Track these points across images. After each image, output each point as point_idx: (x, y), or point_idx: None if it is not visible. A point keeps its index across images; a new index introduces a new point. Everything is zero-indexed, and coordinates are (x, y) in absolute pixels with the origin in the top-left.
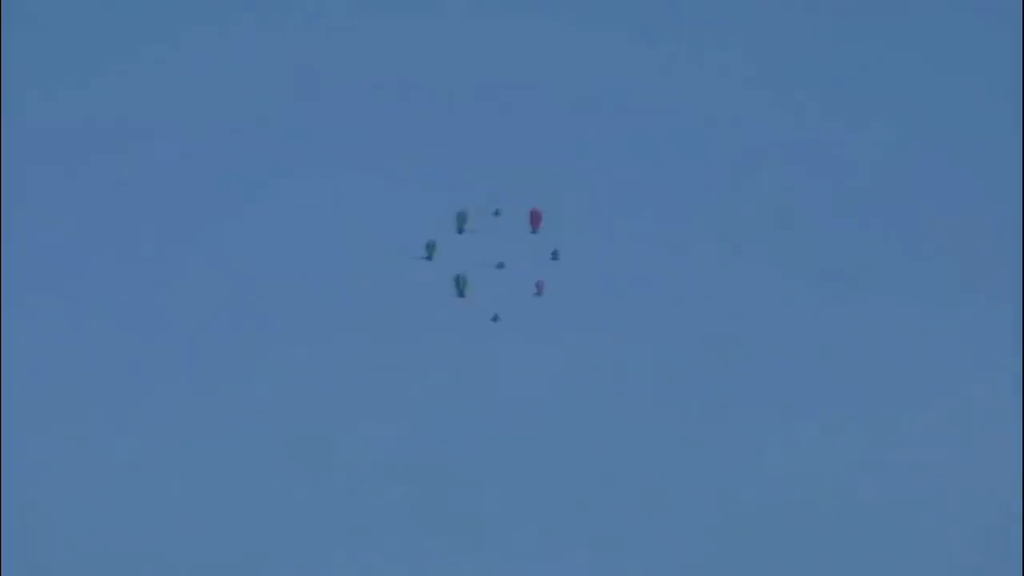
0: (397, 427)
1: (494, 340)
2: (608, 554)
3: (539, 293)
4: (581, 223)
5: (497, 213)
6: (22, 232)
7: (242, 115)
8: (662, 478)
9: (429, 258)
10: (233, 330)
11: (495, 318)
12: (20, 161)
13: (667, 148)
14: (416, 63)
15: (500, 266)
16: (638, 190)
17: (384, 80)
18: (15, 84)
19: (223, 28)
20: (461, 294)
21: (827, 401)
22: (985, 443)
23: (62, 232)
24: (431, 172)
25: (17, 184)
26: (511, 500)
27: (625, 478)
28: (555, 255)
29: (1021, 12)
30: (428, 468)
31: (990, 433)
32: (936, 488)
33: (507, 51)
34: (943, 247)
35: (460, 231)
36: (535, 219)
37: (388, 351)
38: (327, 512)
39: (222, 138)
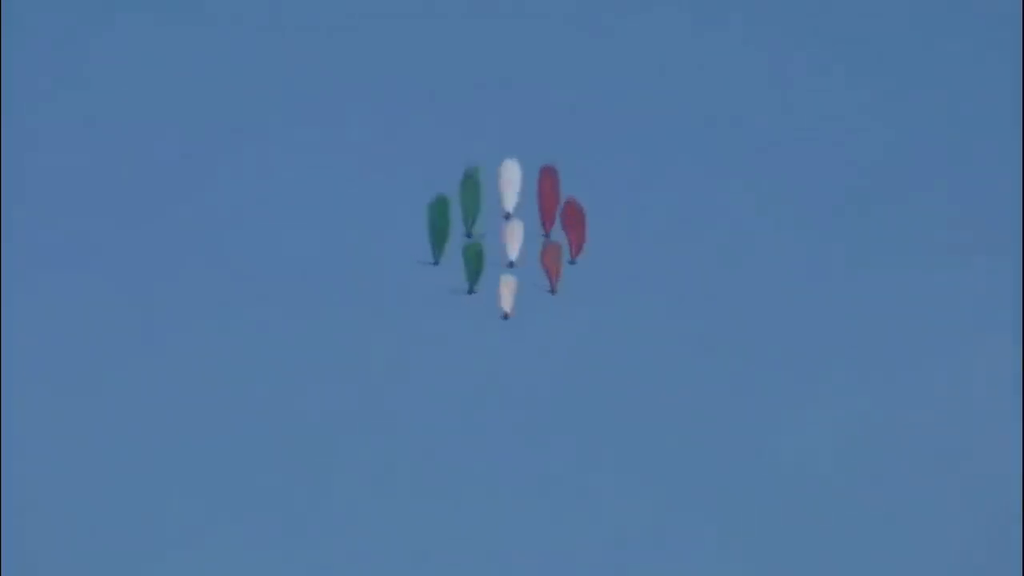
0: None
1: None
2: (618, 523)
3: (506, 317)
4: (601, 173)
5: (507, 217)
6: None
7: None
8: (670, 441)
9: (436, 262)
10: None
11: (505, 316)
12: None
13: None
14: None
15: (511, 265)
16: (654, 145)
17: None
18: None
19: None
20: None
21: (833, 365)
22: (986, 403)
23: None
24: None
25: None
26: (529, 455)
27: (634, 442)
28: (572, 261)
29: None
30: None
31: (991, 393)
32: (939, 448)
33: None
34: (941, 206)
35: (468, 235)
36: (547, 182)
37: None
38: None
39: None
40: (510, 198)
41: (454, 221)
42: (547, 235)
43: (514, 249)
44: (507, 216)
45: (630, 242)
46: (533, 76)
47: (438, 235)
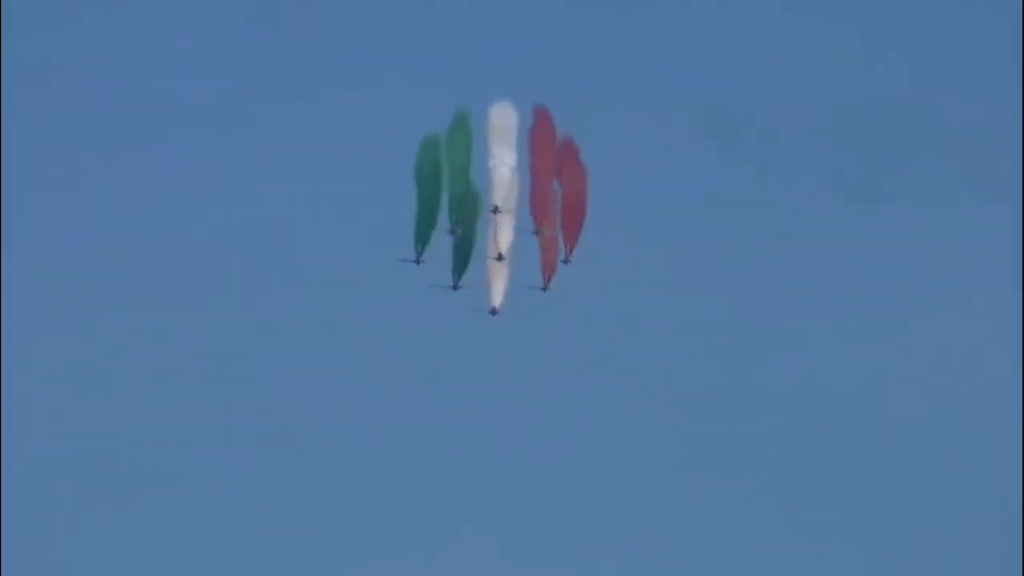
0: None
1: None
2: (640, 455)
3: (494, 312)
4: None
5: (496, 211)
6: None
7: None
8: (690, 385)
9: (417, 261)
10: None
11: (493, 311)
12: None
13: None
14: None
15: (500, 258)
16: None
17: None
18: None
19: None
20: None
21: (842, 309)
22: (988, 342)
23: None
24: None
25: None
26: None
27: (655, 384)
28: (566, 261)
29: None
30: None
31: (992, 332)
32: (944, 387)
33: None
34: (943, 150)
35: (452, 231)
36: (542, 127)
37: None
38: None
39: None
40: (500, 190)
41: (440, 211)
42: (540, 230)
43: (504, 242)
44: (495, 210)
45: (635, 185)
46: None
47: (426, 179)
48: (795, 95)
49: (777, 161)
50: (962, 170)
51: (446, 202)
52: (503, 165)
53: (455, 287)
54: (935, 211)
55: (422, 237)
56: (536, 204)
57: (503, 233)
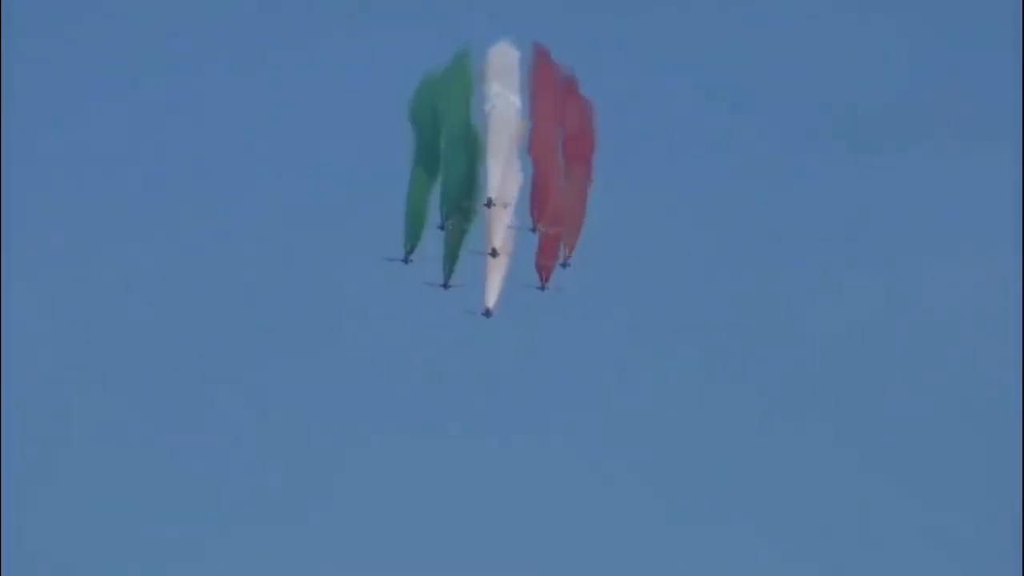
0: None
1: None
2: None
3: (488, 314)
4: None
5: (489, 204)
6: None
7: None
8: (707, 318)
9: (406, 260)
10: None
11: (487, 313)
12: None
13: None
14: None
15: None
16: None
17: None
18: None
19: None
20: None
21: (849, 251)
22: (988, 280)
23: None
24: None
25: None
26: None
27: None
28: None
29: None
30: None
31: (992, 272)
32: (947, 324)
33: None
34: (946, 97)
35: (442, 227)
36: (542, 66)
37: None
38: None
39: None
40: (494, 182)
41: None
42: (537, 226)
43: (499, 237)
44: (489, 203)
45: (651, 133)
46: None
47: (422, 120)
48: (794, 47)
49: (777, 107)
50: (964, 121)
51: (438, 194)
52: (505, 105)
53: (446, 285)
54: (939, 160)
55: (412, 233)
56: (537, 196)
57: (498, 227)
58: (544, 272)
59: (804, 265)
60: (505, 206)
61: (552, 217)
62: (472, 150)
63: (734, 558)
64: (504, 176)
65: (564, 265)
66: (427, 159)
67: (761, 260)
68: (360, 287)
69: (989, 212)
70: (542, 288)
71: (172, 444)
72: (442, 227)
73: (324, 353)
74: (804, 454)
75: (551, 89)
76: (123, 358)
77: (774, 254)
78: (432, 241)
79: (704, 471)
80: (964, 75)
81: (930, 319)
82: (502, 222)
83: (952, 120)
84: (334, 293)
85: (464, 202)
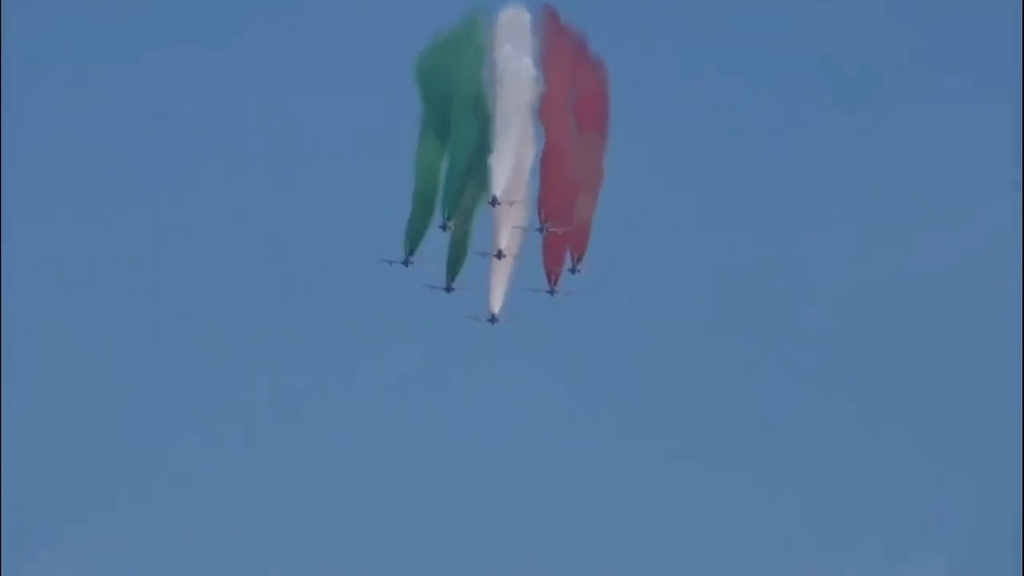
0: None
1: None
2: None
3: (493, 320)
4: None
5: (495, 203)
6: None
7: None
8: (718, 284)
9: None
10: None
11: (493, 319)
12: None
13: None
14: None
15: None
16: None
17: None
18: None
19: None
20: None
21: (854, 213)
22: (989, 243)
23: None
24: None
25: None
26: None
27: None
28: (574, 270)
29: None
30: None
31: (993, 233)
32: (948, 290)
33: None
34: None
35: (444, 227)
36: (553, 28)
37: None
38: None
39: None
40: (500, 177)
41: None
42: (544, 225)
43: (504, 237)
44: (494, 202)
45: (665, 105)
46: None
47: (431, 82)
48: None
49: (777, 72)
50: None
51: (442, 189)
52: (518, 68)
53: (448, 288)
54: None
55: (414, 233)
56: (548, 166)
57: (504, 227)
58: (553, 276)
59: (820, 228)
60: (511, 204)
61: (565, 186)
62: (483, 116)
63: (751, 519)
64: (515, 153)
65: (574, 271)
66: (437, 124)
67: (768, 222)
68: (360, 287)
69: (988, 167)
70: (551, 292)
71: (169, 443)
72: (444, 227)
73: (324, 353)
74: (808, 417)
75: (563, 53)
76: (123, 358)
77: (781, 214)
78: (433, 241)
79: (718, 433)
80: (964, 33)
81: (932, 279)
82: (508, 221)
83: (952, 78)
84: (333, 291)
85: (469, 194)
